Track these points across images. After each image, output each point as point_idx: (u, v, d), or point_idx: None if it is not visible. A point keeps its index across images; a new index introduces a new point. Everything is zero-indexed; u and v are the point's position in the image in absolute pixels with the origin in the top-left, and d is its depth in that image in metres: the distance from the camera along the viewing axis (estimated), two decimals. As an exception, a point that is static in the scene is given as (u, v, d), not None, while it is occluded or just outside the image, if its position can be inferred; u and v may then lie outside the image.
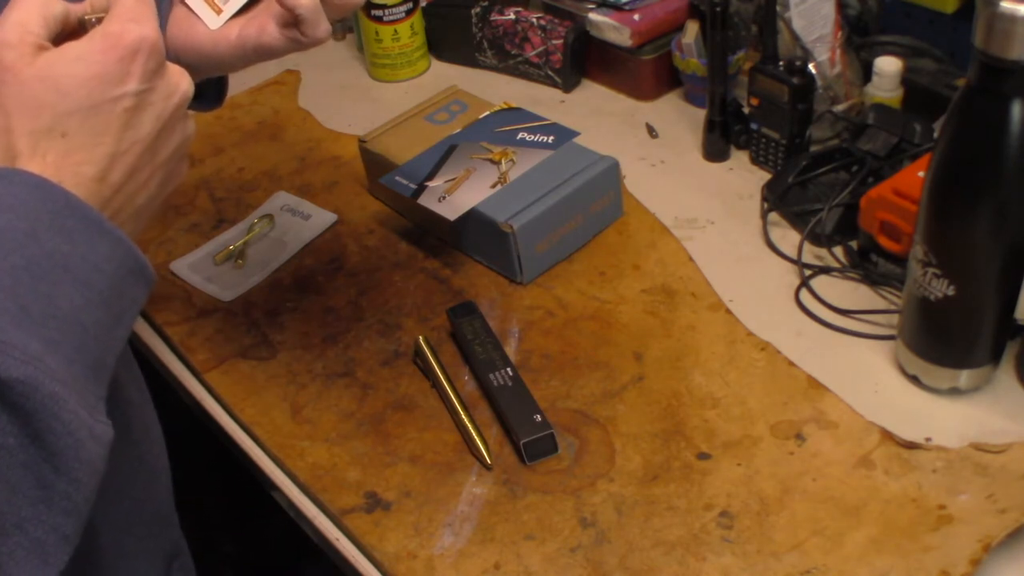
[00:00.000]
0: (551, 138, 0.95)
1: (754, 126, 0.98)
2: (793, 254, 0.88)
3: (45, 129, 0.48)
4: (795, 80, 0.92)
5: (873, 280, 0.84)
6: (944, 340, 0.72)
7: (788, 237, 0.90)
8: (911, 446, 0.71)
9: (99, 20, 0.53)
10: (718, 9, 0.93)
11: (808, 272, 0.86)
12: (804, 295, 0.84)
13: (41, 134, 0.48)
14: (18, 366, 0.41)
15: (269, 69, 1.28)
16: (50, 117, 0.48)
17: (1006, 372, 0.75)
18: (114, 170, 0.50)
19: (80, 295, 0.45)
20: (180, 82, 0.53)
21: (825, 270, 0.86)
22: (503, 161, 0.94)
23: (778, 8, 0.94)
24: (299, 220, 0.99)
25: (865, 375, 0.77)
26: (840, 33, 0.98)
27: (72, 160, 0.48)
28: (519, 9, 1.17)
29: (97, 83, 0.49)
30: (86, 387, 0.45)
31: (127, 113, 0.50)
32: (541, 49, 1.15)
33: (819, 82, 0.96)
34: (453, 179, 0.92)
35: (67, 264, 0.45)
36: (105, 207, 0.49)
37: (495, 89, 1.16)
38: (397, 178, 0.94)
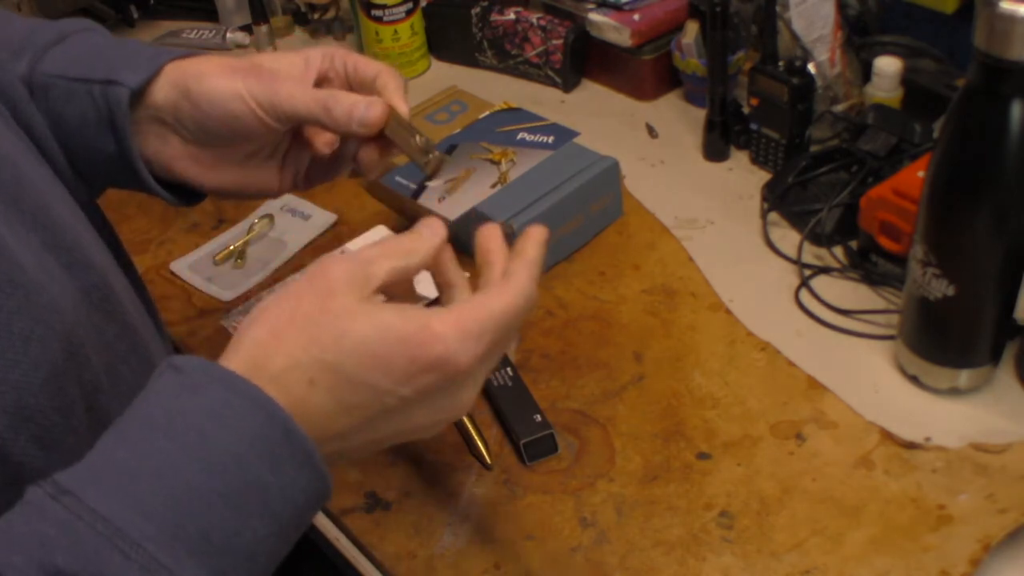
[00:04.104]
0: (551, 138, 0.95)
1: (754, 126, 0.98)
2: (793, 254, 0.88)
3: (301, 364, 0.45)
4: (795, 80, 0.92)
5: (873, 280, 0.84)
6: (944, 340, 0.72)
7: (788, 237, 0.90)
8: (911, 446, 0.71)
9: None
10: (718, 9, 0.93)
11: (808, 272, 0.86)
12: (804, 295, 0.84)
13: (295, 365, 0.45)
14: None
15: (269, 69, 1.28)
16: (313, 357, 0.45)
17: (1006, 372, 0.75)
18: (338, 432, 0.47)
19: (265, 527, 0.43)
20: (459, 411, 0.50)
21: (825, 270, 0.86)
22: (503, 161, 0.94)
23: (778, 8, 0.94)
24: (299, 220, 0.99)
25: (865, 375, 0.77)
26: (840, 33, 0.98)
27: (308, 404, 0.46)
28: (519, 9, 1.17)
29: (374, 364, 0.46)
30: None
31: (384, 408, 0.47)
32: (541, 49, 1.15)
33: (819, 82, 0.96)
34: (453, 179, 0.92)
35: (264, 495, 0.43)
36: (322, 444, 0.46)
37: (495, 89, 1.16)
38: (397, 178, 0.94)
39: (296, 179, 0.66)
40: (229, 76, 0.59)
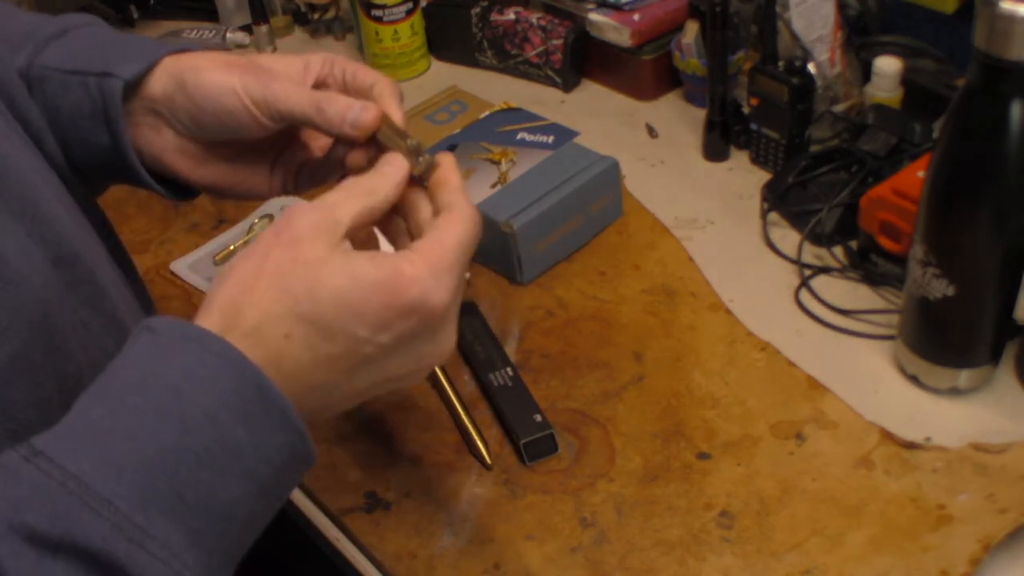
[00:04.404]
0: (551, 138, 0.95)
1: (754, 126, 0.98)
2: (793, 254, 0.88)
3: (275, 317, 0.45)
4: (795, 80, 0.92)
5: (873, 280, 0.84)
6: (944, 340, 0.72)
7: (788, 237, 0.90)
8: (911, 446, 0.71)
9: (426, 171, 0.52)
10: (718, 9, 0.93)
11: (808, 272, 0.86)
12: (804, 295, 0.84)
13: (269, 318, 0.45)
14: (154, 564, 0.40)
15: (269, 69, 1.28)
16: (286, 309, 0.45)
17: (1006, 372, 0.75)
18: (318, 385, 0.46)
19: (241, 487, 0.43)
20: (439, 355, 0.49)
21: (825, 270, 0.86)
22: (503, 161, 0.94)
23: (778, 8, 0.94)
24: (299, 220, 0.99)
25: (865, 375, 0.77)
26: (840, 33, 0.98)
27: (285, 359, 0.45)
28: (519, 9, 1.17)
29: (350, 314, 0.45)
30: None
31: (364, 358, 0.46)
32: (541, 49, 1.15)
33: (819, 82, 0.96)
34: (453, 179, 0.92)
35: (238, 453, 0.43)
36: (298, 401, 0.45)
37: (495, 89, 1.16)
38: (397, 178, 0.93)
39: (286, 182, 0.66)
40: (226, 71, 0.59)
